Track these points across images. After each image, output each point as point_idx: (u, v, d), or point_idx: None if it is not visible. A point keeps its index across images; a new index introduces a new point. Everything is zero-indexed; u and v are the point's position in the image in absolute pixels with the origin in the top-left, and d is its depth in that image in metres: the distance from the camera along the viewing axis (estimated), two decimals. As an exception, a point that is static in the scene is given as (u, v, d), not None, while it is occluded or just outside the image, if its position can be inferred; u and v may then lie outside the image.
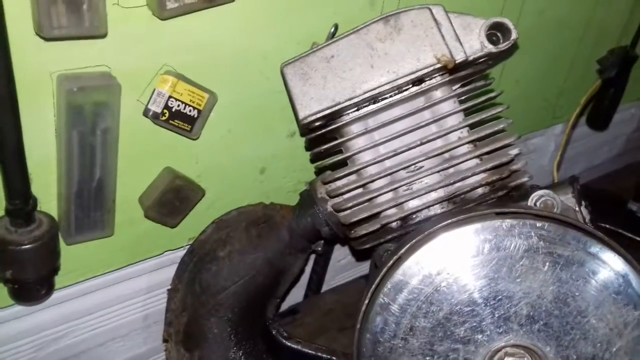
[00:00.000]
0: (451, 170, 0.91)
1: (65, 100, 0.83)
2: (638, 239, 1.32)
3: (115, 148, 0.91)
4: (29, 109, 0.81)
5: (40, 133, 0.85)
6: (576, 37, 1.51)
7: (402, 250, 0.77)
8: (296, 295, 1.39)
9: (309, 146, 1.03)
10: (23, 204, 0.85)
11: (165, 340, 1.06)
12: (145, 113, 0.91)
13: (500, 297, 0.73)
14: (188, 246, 1.08)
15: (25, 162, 0.83)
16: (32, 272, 0.88)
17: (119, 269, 1.05)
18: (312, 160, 1.08)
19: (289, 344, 1.08)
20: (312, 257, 1.33)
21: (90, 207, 0.93)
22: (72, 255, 0.96)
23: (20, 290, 0.90)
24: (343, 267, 1.45)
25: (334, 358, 1.06)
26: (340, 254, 1.41)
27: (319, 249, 1.12)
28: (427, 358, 0.74)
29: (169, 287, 1.07)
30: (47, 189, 0.90)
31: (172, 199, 1.00)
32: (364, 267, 1.48)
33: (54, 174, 0.89)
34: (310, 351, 1.08)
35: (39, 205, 0.88)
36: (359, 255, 1.40)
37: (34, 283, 0.89)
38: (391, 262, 0.77)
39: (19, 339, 1.01)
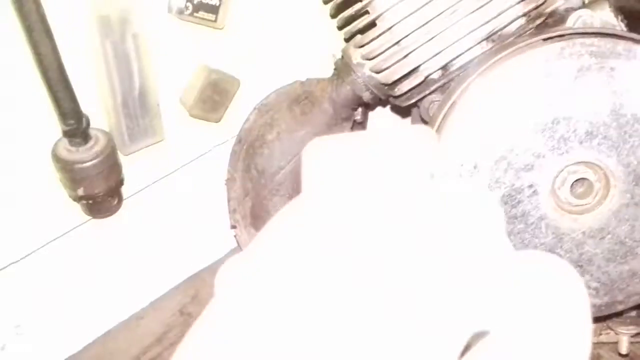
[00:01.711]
0: (486, 7, 0.89)
1: (92, 13, 0.82)
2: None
3: (148, 52, 0.91)
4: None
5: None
6: None
7: (452, 99, 0.78)
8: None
9: (335, 12, 1.02)
10: (77, 123, 0.87)
11: (233, 227, 1.11)
12: (169, 10, 0.90)
13: (558, 120, 0.75)
14: (234, 138, 1.11)
15: (70, 82, 0.83)
16: (101, 186, 0.92)
17: (175, 170, 1.09)
18: (340, 27, 1.07)
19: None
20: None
21: (137, 115, 0.95)
22: (130, 165, 1.00)
23: (94, 205, 0.94)
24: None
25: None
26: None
27: (358, 117, 1.14)
28: (496, 190, 0.78)
29: (226, 178, 1.10)
30: (93, 108, 0.91)
31: (211, 95, 1.01)
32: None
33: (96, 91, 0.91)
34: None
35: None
36: (404, 113, 1.41)
37: (105, 195, 0.94)
38: (441, 115, 0.78)
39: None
